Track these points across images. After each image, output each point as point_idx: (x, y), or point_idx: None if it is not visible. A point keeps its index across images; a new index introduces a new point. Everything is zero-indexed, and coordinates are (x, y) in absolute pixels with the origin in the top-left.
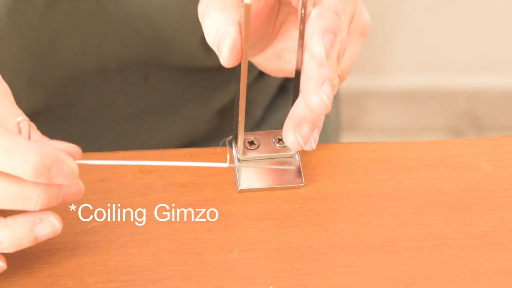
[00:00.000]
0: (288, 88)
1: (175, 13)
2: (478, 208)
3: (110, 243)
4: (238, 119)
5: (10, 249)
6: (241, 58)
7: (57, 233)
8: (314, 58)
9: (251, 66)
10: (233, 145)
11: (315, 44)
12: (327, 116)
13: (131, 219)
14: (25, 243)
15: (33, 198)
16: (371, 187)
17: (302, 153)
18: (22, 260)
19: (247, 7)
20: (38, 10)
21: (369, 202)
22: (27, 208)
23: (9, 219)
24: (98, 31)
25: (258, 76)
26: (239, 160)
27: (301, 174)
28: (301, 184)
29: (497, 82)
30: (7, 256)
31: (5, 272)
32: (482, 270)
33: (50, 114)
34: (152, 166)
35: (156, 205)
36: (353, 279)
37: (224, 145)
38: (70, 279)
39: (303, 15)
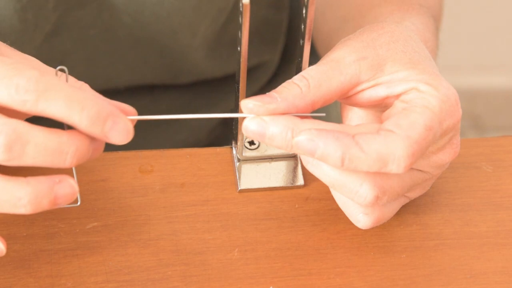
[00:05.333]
0: None
1: (185, 35)
2: (478, 208)
3: (110, 243)
4: (238, 119)
5: (28, 207)
6: (241, 57)
7: (74, 196)
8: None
9: (257, 76)
10: (233, 145)
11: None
12: (328, 116)
13: (131, 219)
14: (45, 202)
15: (69, 153)
16: None
17: None
18: (22, 260)
19: (246, 7)
20: (44, 33)
21: None
22: (62, 165)
23: (30, 178)
24: (107, 57)
25: (263, 86)
26: (239, 160)
27: (301, 174)
28: (301, 184)
29: (497, 82)
30: (7, 256)
31: (5, 272)
32: (482, 270)
33: (53, 122)
34: (152, 166)
35: (156, 205)
36: (353, 279)
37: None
38: (70, 279)
39: (304, 16)
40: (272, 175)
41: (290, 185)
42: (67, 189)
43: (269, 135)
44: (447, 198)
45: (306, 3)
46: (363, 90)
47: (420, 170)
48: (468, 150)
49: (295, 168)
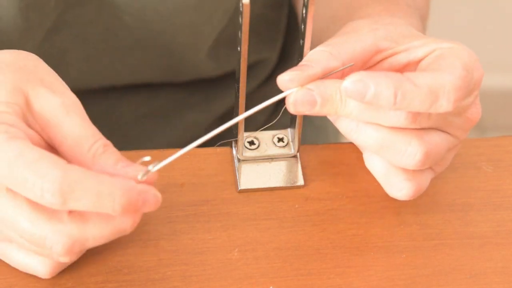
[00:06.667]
0: None
1: (187, 35)
2: (478, 208)
3: (110, 243)
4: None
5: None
6: (241, 57)
7: (159, 203)
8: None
9: (255, 73)
10: (233, 145)
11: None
12: (327, 116)
13: None
14: (137, 220)
15: (127, 228)
16: (371, 187)
17: (302, 153)
18: None
19: (246, 7)
20: (45, 30)
21: (369, 202)
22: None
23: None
24: (106, 55)
25: (261, 82)
26: (239, 160)
27: (301, 174)
28: (301, 184)
29: (497, 82)
30: None
31: (5, 272)
32: (482, 270)
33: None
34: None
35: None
36: (353, 279)
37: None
38: (70, 279)
39: (304, 16)
40: (272, 175)
41: (290, 185)
42: (153, 200)
43: (320, 101)
44: (447, 198)
45: (306, 3)
46: (383, 59)
47: (450, 134)
48: (468, 150)
49: (295, 168)
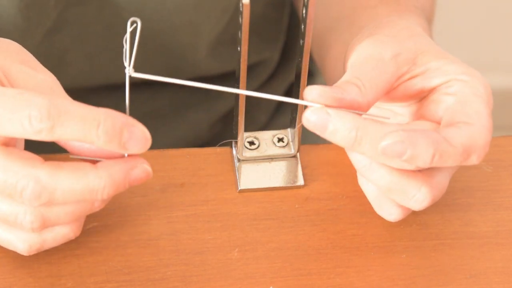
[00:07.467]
0: (294, 95)
1: (187, 33)
2: (478, 208)
3: (110, 243)
4: (238, 119)
5: (107, 198)
6: (241, 57)
7: (149, 177)
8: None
9: (256, 73)
10: (233, 145)
11: (391, 139)
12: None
13: (131, 219)
14: (120, 189)
15: (99, 190)
16: None
17: (302, 153)
18: (22, 260)
19: (246, 7)
20: (45, 30)
21: (369, 202)
22: (95, 201)
23: (105, 167)
24: (107, 54)
25: (263, 83)
26: (239, 160)
27: (301, 174)
28: (301, 184)
29: (497, 82)
30: (7, 256)
31: (4, 272)
32: (482, 270)
33: None
34: (152, 166)
35: (156, 205)
36: (353, 279)
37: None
38: (70, 279)
39: (304, 16)
40: (272, 175)
41: (290, 185)
42: (141, 174)
43: (331, 129)
44: (447, 198)
45: (306, 3)
46: (399, 84)
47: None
48: None
49: (295, 168)
